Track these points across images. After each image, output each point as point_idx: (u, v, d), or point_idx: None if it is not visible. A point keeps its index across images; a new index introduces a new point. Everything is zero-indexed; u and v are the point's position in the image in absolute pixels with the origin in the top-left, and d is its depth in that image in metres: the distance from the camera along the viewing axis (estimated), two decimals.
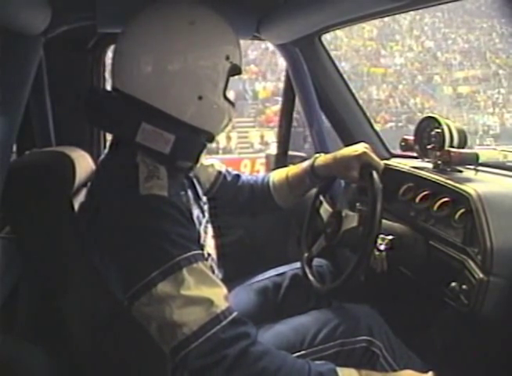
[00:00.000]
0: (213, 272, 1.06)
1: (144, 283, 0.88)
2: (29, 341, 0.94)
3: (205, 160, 1.37)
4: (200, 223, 1.09)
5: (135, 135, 0.98)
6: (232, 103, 1.08)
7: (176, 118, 1.01)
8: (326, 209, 1.32)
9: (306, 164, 1.36)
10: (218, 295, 0.90)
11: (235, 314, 0.90)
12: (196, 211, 1.08)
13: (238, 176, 1.43)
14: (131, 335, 0.96)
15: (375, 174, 1.18)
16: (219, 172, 1.40)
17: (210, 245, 1.13)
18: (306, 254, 1.33)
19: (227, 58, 1.03)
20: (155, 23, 1.01)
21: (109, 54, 1.81)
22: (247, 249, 1.75)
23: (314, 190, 1.41)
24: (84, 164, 1.28)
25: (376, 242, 1.17)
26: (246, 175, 1.45)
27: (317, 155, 1.37)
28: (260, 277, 1.42)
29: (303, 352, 1.10)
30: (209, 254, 1.09)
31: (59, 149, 1.23)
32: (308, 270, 1.31)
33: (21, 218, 1.00)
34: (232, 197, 1.40)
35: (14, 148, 1.12)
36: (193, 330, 0.86)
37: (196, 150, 1.05)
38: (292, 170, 1.39)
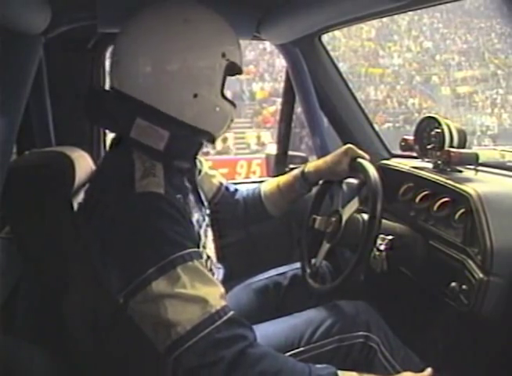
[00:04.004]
0: (212, 274, 1.05)
1: (139, 281, 0.87)
2: (29, 341, 0.94)
3: (209, 169, 1.38)
4: (201, 226, 1.08)
5: (129, 130, 0.98)
6: (232, 103, 1.07)
7: (171, 116, 1.00)
8: (321, 221, 1.31)
9: (296, 170, 1.38)
10: (214, 294, 0.89)
11: (231, 314, 0.89)
12: (196, 215, 1.07)
13: (236, 190, 1.44)
14: (131, 335, 0.95)
15: (362, 160, 1.22)
16: (221, 183, 1.41)
17: (210, 248, 1.13)
18: (309, 271, 1.32)
19: (223, 55, 1.02)
20: (150, 21, 1.01)
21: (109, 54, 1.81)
22: (248, 250, 1.75)
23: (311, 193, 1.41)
24: (83, 164, 1.27)
25: (376, 242, 1.17)
26: (240, 189, 1.46)
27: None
28: (260, 277, 1.42)
29: (302, 349, 1.10)
30: (208, 257, 1.09)
31: (59, 149, 1.22)
32: (310, 281, 1.30)
33: (21, 218, 1.00)
34: (230, 210, 1.41)
35: (14, 148, 1.12)
36: (187, 330, 0.85)
37: (191, 148, 1.05)
38: (283, 178, 1.42)
